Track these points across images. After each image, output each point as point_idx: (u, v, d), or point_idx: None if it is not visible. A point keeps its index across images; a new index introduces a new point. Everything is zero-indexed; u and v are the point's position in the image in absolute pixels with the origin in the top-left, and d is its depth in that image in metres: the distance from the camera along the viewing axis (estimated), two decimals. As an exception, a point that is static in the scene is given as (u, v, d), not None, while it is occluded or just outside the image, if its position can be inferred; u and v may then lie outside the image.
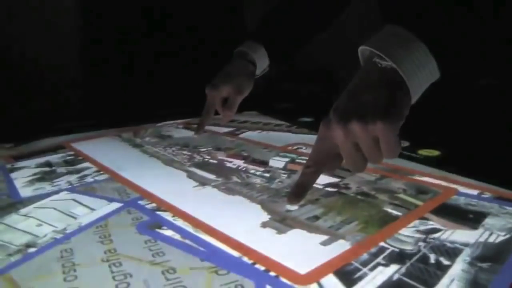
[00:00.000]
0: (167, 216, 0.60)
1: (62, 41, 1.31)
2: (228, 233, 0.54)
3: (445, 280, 0.43)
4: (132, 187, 0.71)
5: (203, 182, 0.73)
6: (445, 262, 0.46)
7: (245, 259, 0.48)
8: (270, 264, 0.47)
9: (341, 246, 0.50)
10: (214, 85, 0.90)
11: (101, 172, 0.80)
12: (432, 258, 0.47)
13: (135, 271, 0.47)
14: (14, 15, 1.24)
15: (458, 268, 0.45)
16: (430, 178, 0.69)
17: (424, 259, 0.47)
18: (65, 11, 1.32)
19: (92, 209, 0.63)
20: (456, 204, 0.60)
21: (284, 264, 0.47)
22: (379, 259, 0.47)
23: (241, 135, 1.05)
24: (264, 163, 0.81)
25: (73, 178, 0.77)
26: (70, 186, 0.73)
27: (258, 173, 0.76)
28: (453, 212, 0.57)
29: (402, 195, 0.63)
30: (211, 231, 0.55)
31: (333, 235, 0.52)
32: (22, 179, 0.78)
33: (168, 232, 0.55)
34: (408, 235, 0.52)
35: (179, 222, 0.58)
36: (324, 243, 0.51)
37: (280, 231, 0.54)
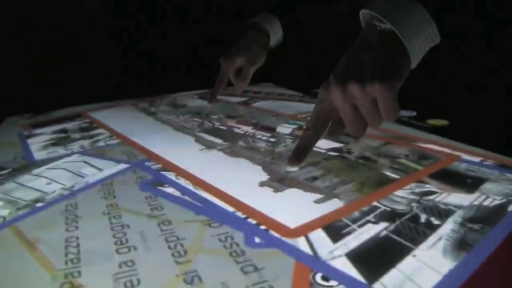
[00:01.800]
0: (171, 175, 0.62)
1: (84, 19, 1.33)
2: (226, 190, 0.56)
3: (432, 238, 0.43)
4: (141, 150, 0.74)
5: (209, 146, 0.74)
6: (436, 222, 0.46)
7: (239, 213, 0.50)
8: (262, 218, 0.49)
9: (334, 204, 0.51)
10: (227, 56, 0.91)
11: (113, 137, 0.82)
12: (423, 218, 0.47)
13: (132, 223, 0.49)
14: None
15: (447, 228, 0.45)
16: (435, 146, 0.69)
17: (415, 218, 0.47)
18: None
19: (100, 169, 0.66)
20: (456, 170, 0.60)
21: (274, 219, 0.48)
22: (370, 217, 0.48)
23: (254, 105, 1.06)
24: (272, 130, 0.82)
25: (86, 142, 0.80)
26: (82, 150, 0.76)
27: (264, 138, 0.77)
28: (452, 177, 0.58)
29: (403, 160, 0.63)
30: (210, 188, 0.57)
31: (327, 194, 0.53)
32: (38, 144, 0.81)
33: (169, 190, 0.57)
34: (402, 196, 0.53)
35: (181, 181, 0.60)
36: (318, 201, 0.52)
37: (276, 190, 0.56)
